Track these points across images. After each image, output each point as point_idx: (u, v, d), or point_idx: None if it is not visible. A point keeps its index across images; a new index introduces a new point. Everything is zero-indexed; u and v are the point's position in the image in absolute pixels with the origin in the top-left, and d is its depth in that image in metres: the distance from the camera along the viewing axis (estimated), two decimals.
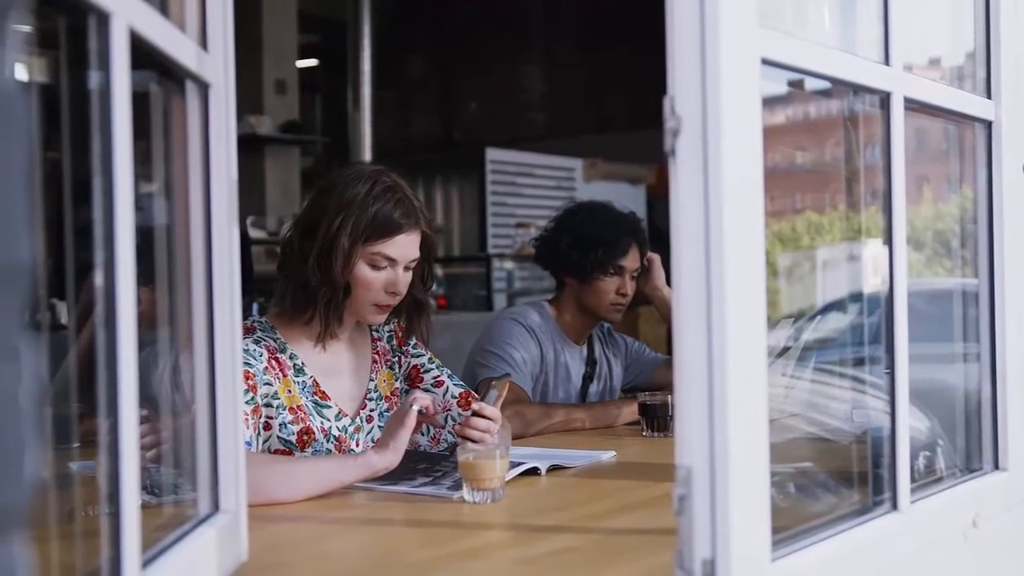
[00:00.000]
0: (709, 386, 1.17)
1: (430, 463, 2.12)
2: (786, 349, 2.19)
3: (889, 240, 1.52)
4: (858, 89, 1.55)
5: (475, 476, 1.85)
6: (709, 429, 1.17)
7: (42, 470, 0.61)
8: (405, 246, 2.19)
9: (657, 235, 3.30)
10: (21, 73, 0.58)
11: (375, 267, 2.17)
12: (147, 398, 1.21)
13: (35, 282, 0.58)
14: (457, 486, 1.91)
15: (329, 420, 2.20)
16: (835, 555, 1.38)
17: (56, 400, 1.11)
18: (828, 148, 1.97)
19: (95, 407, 1.04)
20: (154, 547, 1.16)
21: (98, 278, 1.00)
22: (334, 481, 1.93)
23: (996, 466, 1.81)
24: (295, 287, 2.19)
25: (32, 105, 0.59)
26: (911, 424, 1.56)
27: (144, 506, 1.07)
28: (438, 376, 2.39)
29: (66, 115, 1.06)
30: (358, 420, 2.27)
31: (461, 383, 2.41)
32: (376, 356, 2.36)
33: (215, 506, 1.37)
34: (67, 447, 1.30)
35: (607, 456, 2.34)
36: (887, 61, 1.51)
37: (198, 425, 1.36)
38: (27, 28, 0.61)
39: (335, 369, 2.27)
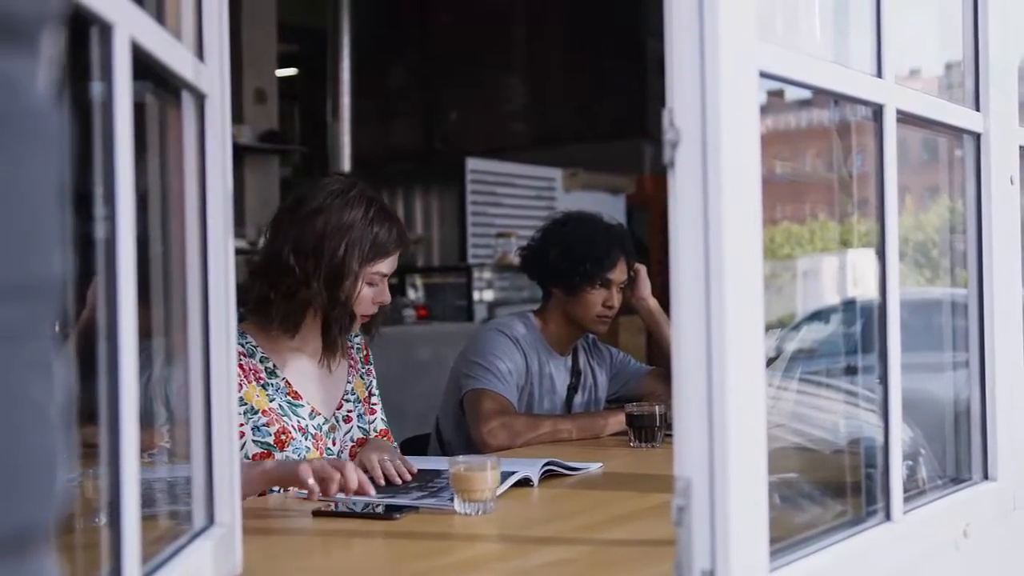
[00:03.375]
0: (708, 397, 1.17)
1: (423, 480, 2.12)
2: (771, 360, 2.20)
3: (882, 251, 1.53)
4: (852, 101, 1.56)
5: (466, 488, 1.84)
6: (708, 440, 1.17)
7: (70, 487, 0.60)
8: (395, 261, 2.33)
9: (637, 245, 3.31)
10: (54, 86, 0.58)
11: (370, 284, 2.28)
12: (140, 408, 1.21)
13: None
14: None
15: (304, 419, 2.26)
16: (831, 565, 1.38)
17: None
18: (808, 159, 1.99)
19: (85, 417, 1.03)
20: (151, 560, 1.15)
21: (100, 289, 0.99)
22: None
23: (985, 476, 1.82)
24: (294, 305, 2.24)
25: (65, 120, 0.58)
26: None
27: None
28: (375, 404, 2.49)
29: (66, 125, 1.05)
30: (333, 419, 2.34)
31: (385, 420, 2.49)
32: (352, 362, 2.44)
33: (210, 519, 1.36)
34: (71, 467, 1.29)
35: (595, 467, 2.34)
36: (880, 73, 1.52)
37: (193, 438, 1.35)
38: (57, 43, 0.61)
39: (310, 370, 2.33)
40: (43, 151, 0.57)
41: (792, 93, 1.53)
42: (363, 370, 2.47)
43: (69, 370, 1.21)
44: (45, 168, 0.57)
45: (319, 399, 2.32)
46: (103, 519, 1.05)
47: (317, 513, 1.87)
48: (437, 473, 2.17)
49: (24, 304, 0.55)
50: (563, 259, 2.99)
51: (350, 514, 1.87)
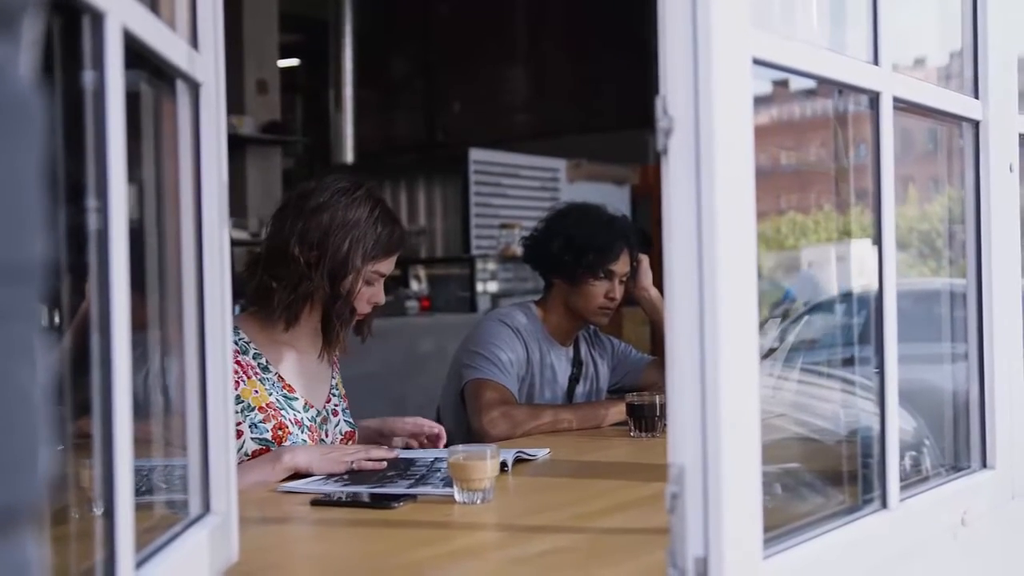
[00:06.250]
0: (701, 384, 1.17)
1: (400, 468, 2.13)
2: (772, 350, 2.20)
3: (878, 240, 1.53)
4: (848, 89, 1.55)
5: (465, 476, 1.85)
6: (701, 427, 1.17)
7: (53, 468, 0.61)
8: (393, 263, 2.37)
9: (641, 236, 3.30)
10: (34, 73, 0.58)
11: (368, 283, 2.31)
12: (134, 400, 1.21)
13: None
14: (449, 483, 1.90)
15: (299, 412, 2.30)
16: (825, 553, 1.38)
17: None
18: (812, 148, 1.98)
19: (83, 408, 1.03)
20: (146, 548, 1.16)
21: (92, 280, 0.99)
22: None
23: (984, 464, 1.82)
24: (296, 297, 2.26)
25: (45, 106, 0.59)
26: (898, 424, 1.57)
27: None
28: (344, 406, 2.49)
29: (57, 115, 1.05)
30: (324, 412, 2.38)
31: (351, 421, 2.47)
32: (334, 359, 2.47)
33: (206, 507, 1.36)
34: (55, 449, 1.29)
35: (542, 453, 2.35)
36: (876, 61, 1.52)
37: (189, 427, 1.36)
38: (38, 29, 0.61)
39: (300, 365, 2.36)
40: (24, 137, 0.57)
41: (797, 83, 1.53)
42: (338, 368, 2.52)
43: (56, 355, 1.21)
44: (27, 154, 0.57)
45: (309, 392, 2.35)
46: (101, 508, 1.06)
47: (315, 502, 1.88)
48: (410, 462, 2.20)
49: (6, 288, 0.55)
50: (566, 250, 2.99)
51: (348, 503, 1.87)
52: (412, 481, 2.01)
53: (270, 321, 2.29)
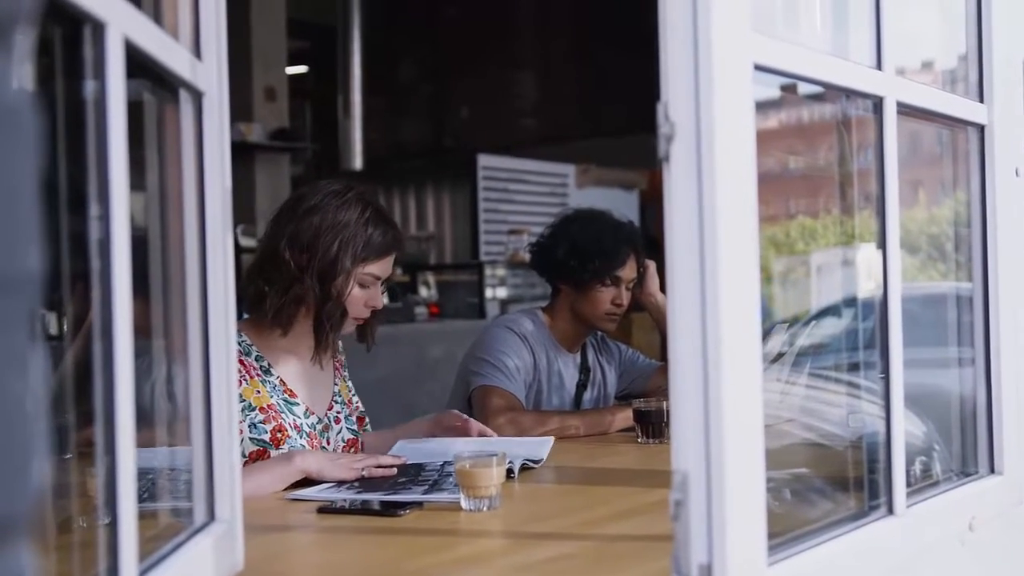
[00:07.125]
0: (704, 391, 1.17)
1: (411, 475, 2.13)
2: (781, 354, 2.19)
3: (883, 244, 1.53)
4: (851, 94, 1.55)
5: (472, 484, 1.84)
6: (705, 434, 1.17)
7: (47, 479, 0.61)
8: (390, 265, 2.36)
9: (649, 241, 3.30)
10: (29, 84, 0.58)
11: (363, 286, 2.31)
12: (141, 408, 1.21)
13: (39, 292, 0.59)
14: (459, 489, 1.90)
15: (299, 417, 2.30)
16: (831, 559, 1.38)
17: (50, 410, 1.10)
18: (821, 153, 1.98)
19: (90, 417, 1.04)
20: (150, 557, 1.16)
21: (94, 288, 0.99)
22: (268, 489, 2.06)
23: (992, 470, 1.81)
24: (287, 300, 2.26)
25: (38, 116, 0.59)
26: (907, 429, 1.56)
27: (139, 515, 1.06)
28: (348, 413, 2.48)
29: (60, 124, 1.06)
30: (326, 419, 2.38)
31: (354, 429, 2.47)
32: (337, 365, 2.48)
33: (211, 515, 1.36)
34: (61, 458, 1.29)
35: (547, 447, 2.35)
36: (879, 66, 1.52)
37: (193, 435, 1.36)
38: (31, 41, 0.61)
39: (301, 372, 2.36)
40: (19, 147, 0.57)
41: (805, 87, 1.52)
42: (344, 374, 2.52)
43: (61, 364, 1.21)
44: (21, 165, 0.57)
45: (311, 399, 2.35)
46: (108, 518, 1.06)
47: (321, 510, 1.88)
48: (420, 467, 2.20)
49: (1, 298, 0.55)
50: (572, 256, 2.99)
51: (354, 511, 1.87)
52: (425, 487, 2.01)
53: (267, 327, 2.29)
